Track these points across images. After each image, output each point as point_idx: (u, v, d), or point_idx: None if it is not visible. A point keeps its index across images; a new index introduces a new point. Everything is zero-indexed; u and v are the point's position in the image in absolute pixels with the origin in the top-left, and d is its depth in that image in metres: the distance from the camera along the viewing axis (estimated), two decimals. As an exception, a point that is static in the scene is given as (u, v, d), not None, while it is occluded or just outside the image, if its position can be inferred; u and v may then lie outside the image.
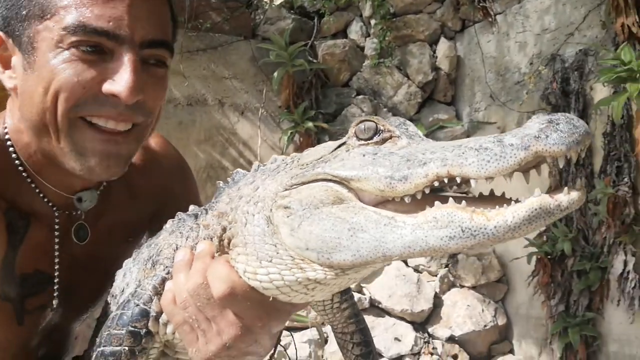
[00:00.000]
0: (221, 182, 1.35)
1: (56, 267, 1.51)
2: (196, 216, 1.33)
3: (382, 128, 1.03)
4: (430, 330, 5.59)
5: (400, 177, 0.91)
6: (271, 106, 6.23)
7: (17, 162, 1.44)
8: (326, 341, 5.23)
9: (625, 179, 4.41)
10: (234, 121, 6.10)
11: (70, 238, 1.53)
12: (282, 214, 1.04)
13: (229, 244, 1.16)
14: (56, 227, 1.51)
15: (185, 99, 5.92)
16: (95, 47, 1.27)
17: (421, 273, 5.85)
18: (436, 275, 5.82)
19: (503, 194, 0.92)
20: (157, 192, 1.80)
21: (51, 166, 1.39)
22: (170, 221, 1.39)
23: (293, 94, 6.02)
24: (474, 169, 0.83)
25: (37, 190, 1.47)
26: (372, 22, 6.25)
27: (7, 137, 1.44)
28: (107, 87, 1.28)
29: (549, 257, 4.97)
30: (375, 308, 5.58)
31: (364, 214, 0.95)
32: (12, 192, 1.44)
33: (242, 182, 1.23)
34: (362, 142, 1.03)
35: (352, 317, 1.57)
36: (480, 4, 5.85)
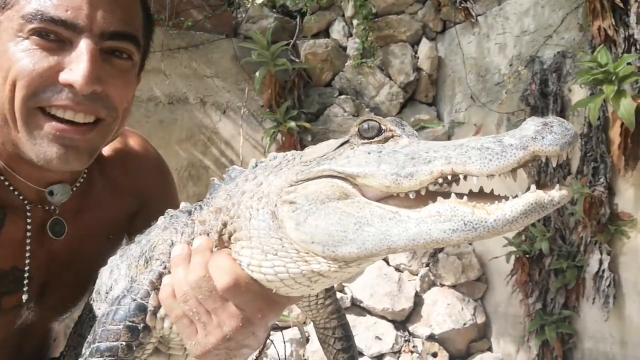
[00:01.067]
0: (215, 178, 1.36)
1: (27, 261, 1.49)
2: (190, 212, 1.33)
3: (384, 127, 1.07)
4: (410, 328, 5.63)
5: (406, 174, 0.95)
6: (253, 105, 6.22)
7: None
8: (307, 340, 5.25)
9: (601, 180, 4.49)
10: (215, 120, 6.09)
11: (46, 234, 1.52)
12: (287, 208, 1.07)
13: (229, 238, 1.19)
14: (28, 220, 1.49)
15: (167, 98, 5.90)
16: (54, 35, 1.26)
17: (402, 272, 5.89)
18: (417, 275, 5.87)
19: (492, 191, 0.97)
20: (137, 190, 1.80)
21: (20, 158, 1.37)
22: (161, 218, 1.40)
23: (275, 93, 6.02)
24: (476, 166, 0.89)
25: (7, 183, 1.45)
26: (355, 22, 6.28)
27: None
28: (63, 76, 1.27)
29: (527, 256, 5.04)
30: (357, 307, 5.61)
31: (369, 209, 1.00)
32: None
33: (241, 178, 1.25)
34: (366, 140, 1.07)
35: (334, 313, 1.61)
36: (462, 5, 5.91)
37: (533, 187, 0.89)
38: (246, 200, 1.17)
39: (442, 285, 5.87)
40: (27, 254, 1.49)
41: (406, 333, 5.59)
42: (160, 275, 1.22)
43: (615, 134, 4.24)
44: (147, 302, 1.19)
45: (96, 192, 1.66)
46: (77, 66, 1.26)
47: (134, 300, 1.19)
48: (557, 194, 0.88)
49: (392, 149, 1.03)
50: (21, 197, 1.48)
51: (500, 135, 0.92)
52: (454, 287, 5.84)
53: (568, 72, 4.90)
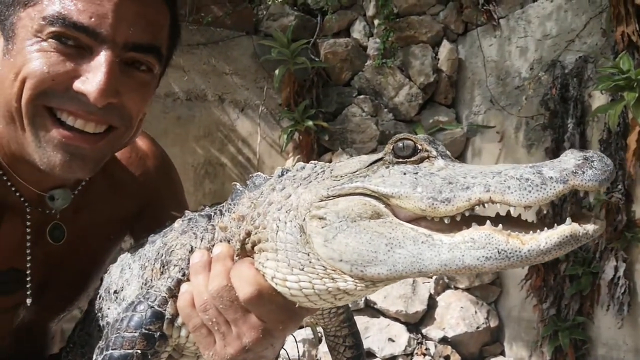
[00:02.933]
0: (238, 184, 1.33)
1: (28, 265, 1.46)
2: (209, 217, 1.31)
3: (420, 147, 1.05)
4: (423, 331, 5.63)
5: (443, 199, 0.95)
6: (271, 104, 6.22)
7: None
8: (320, 340, 5.26)
9: (619, 186, 4.44)
10: (233, 118, 6.09)
11: (44, 237, 1.48)
12: (316, 224, 1.05)
13: (253, 247, 1.17)
14: (28, 223, 1.45)
15: (185, 94, 5.89)
16: (74, 41, 1.22)
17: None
18: (431, 277, 5.85)
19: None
20: (141, 190, 1.76)
21: (23, 159, 1.32)
22: (178, 220, 1.37)
23: (294, 92, 6.01)
24: (516, 197, 0.89)
25: (9, 184, 1.41)
26: (376, 22, 6.26)
27: None
28: (78, 85, 1.22)
29: (543, 261, 5.00)
30: (370, 308, 5.62)
31: (402, 230, 0.99)
32: None
33: (266, 186, 1.22)
34: (400, 159, 1.05)
35: (346, 322, 1.60)
36: (484, 8, 5.87)
37: (568, 219, 0.89)
38: (273, 212, 1.14)
39: (456, 289, 5.85)
40: (28, 257, 1.46)
41: (419, 335, 5.59)
42: (179, 282, 1.20)
43: (632, 140, 4.20)
44: (165, 310, 1.17)
45: (98, 192, 1.62)
46: (93, 77, 1.21)
47: (151, 307, 1.16)
48: (591, 227, 0.89)
49: (429, 171, 1.02)
50: (22, 199, 1.45)
51: (539, 165, 0.92)
52: (467, 290, 5.82)
53: (589, 78, 4.85)
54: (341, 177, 1.09)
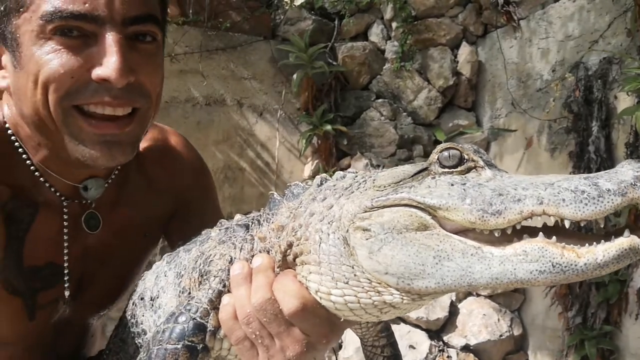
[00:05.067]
0: (275, 193, 1.32)
1: (65, 257, 1.49)
2: (247, 227, 1.30)
3: (466, 157, 1.03)
4: (445, 338, 5.54)
5: (494, 211, 0.92)
6: (290, 108, 6.21)
7: (20, 150, 1.41)
8: (340, 347, 5.22)
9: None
10: (252, 122, 6.10)
11: (81, 228, 1.51)
12: (360, 235, 1.04)
13: (294, 259, 1.15)
14: (65, 216, 1.48)
15: (204, 99, 5.92)
16: (77, 30, 1.23)
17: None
18: (480, 292, 5.78)
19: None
20: (176, 190, 1.78)
21: (55, 156, 1.37)
22: (215, 229, 1.37)
23: (312, 96, 6.00)
24: (571, 210, 0.86)
25: (42, 179, 1.45)
26: (394, 25, 6.20)
27: (6, 126, 1.41)
28: (97, 72, 1.24)
29: (568, 268, 4.90)
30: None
31: (450, 243, 0.96)
32: (16, 181, 1.42)
33: (306, 196, 1.21)
34: (447, 169, 1.03)
35: (383, 331, 1.57)
36: (504, 9, 5.79)
37: (627, 232, 0.86)
38: (315, 223, 1.13)
39: (478, 295, 5.75)
40: (66, 250, 1.49)
41: (440, 343, 5.50)
42: (220, 294, 1.19)
43: (662, 143, 4.09)
44: (207, 322, 1.17)
45: (133, 188, 1.65)
46: (108, 60, 1.23)
47: (193, 319, 1.16)
48: None
49: (477, 182, 0.99)
50: (57, 194, 1.47)
51: (594, 176, 0.89)
52: (490, 297, 5.72)
53: (614, 79, 4.73)
54: (385, 187, 1.07)
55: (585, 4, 5.02)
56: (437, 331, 5.56)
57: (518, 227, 0.92)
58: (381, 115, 6.13)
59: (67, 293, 1.51)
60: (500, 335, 5.49)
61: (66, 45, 1.23)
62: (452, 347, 5.48)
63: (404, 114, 6.21)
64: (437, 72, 6.20)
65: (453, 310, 5.63)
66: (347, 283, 1.06)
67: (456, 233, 0.98)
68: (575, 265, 0.85)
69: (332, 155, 5.94)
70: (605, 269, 0.85)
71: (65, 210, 1.49)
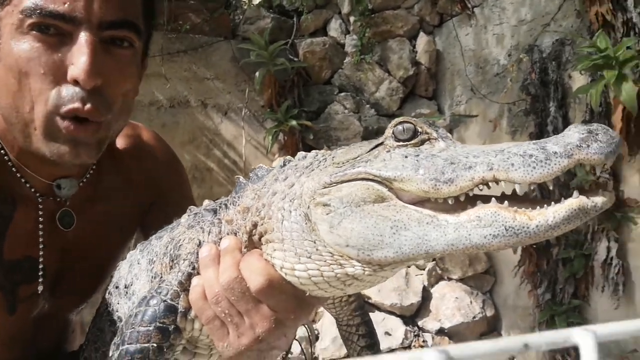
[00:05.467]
0: (241, 177, 1.35)
1: (41, 252, 1.51)
2: (215, 211, 1.32)
3: (420, 129, 1.05)
4: (420, 323, 5.61)
5: (446, 179, 0.94)
6: (254, 106, 6.22)
7: None
8: (317, 338, 5.24)
9: (606, 166, 4.45)
10: (217, 122, 6.10)
11: (56, 224, 1.54)
12: (321, 211, 1.06)
13: (260, 239, 1.18)
14: (40, 212, 1.51)
15: (168, 101, 5.91)
16: (54, 28, 1.27)
17: (409, 267, 5.87)
18: (424, 269, 5.85)
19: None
20: (150, 183, 1.81)
21: (31, 152, 1.39)
22: (185, 215, 1.39)
23: (275, 93, 6.01)
24: (520, 174, 0.88)
25: (18, 175, 1.47)
26: (351, 19, 6.27)
27: None
28: (69, 73, 1.28)
29: (534, 246, 5.01)
30: (365, 303, 5.56)
31: (406, 213, 0.98)
32: None
33: (269, 177, 1.24)
34: (401, 143, 1.05)
35: (357, 310, 1.61)
36: (458, -2, 5.90)
37: (576, 192, 0.88)
38: (277, 202, 1.15)
39: (450, 279, 5.85)
40: (41, 245, 1.51)
41: (415, 328, 5.57)
42: (189, 276, 1.21)
43: (617, 119, 4.20)
44: (178, 304, 1.19)
45: (108, 184, 1.68)
46: (78, 60, 1.27)
47: (164, 301, 1.18)
48: (600, 199, 0.88)
49: (430, 153, 1.01)
50: (33, 190, 1.50)
51: (542, 141, 0.91)
52: (461, 280, 5.81)
53: (567, 60, 4.87)
54: (343, 163, 1.09)
55: (536, -12, 5.16)
56: (411, 317, 5.62)
57: (471, 194, 0.94)
58: (345, 108, 6.19)
59: (40, 288, 1.52)
60: (474, 317, 5.59)
61: (43, 41, 1.27)
62: (427, 331, 5.55)
63: (367, 106, 6.29)
64: (397, 63, 6.28)
65: (426, 295, 5.71)
66: (309, 257, 1.09)
67: (413, 204, 1.00)
68: (528, 228, 0.88)
69: (299, 150, 5.86)
70: (556, 230, 0.87)
71: (40, 206, 1.52)
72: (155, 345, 1.15)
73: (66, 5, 1.26)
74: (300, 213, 1.10)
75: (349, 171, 1.05)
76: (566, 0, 4.83)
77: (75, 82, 1.28)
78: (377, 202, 1.01)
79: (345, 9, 6.31)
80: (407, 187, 0.99)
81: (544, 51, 5.04)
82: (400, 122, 1.06)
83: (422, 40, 6.34)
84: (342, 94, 6.27)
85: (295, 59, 6.20)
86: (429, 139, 1.05)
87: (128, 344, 1.15)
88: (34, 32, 1.26)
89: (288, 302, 1.14)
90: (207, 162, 5.99)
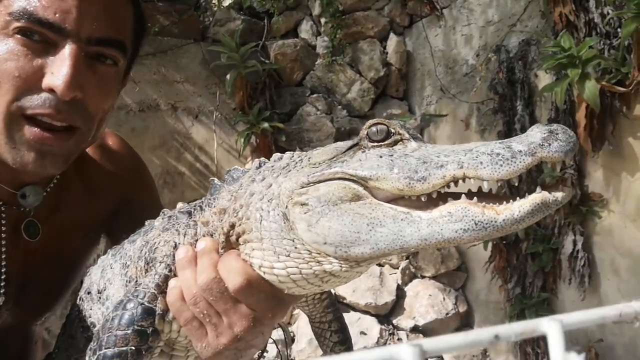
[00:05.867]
0: (215, 179, 1.36)
1: (3, 263, 1.48)
2: (189, 213, 1.32)
3: (393, 131, 1.10)
4: (394, 321, 5.66)
5: (419, 178, 0.99)
6: (225, 109, 6.20)
7: None
8: (293, 340, 5.25)
9: (571, 162, 4.57)
10: (188, 125, 6.05)
11: (21, 235, 1.51)
12: (299, 210, 1.09)
13: (237, 239, 1.19)
14: (3, 222, 1.48)
15: (137, 105, 5.84)
16: (39, 36, 1.25)
17: (383, 266, 5.92)
18: (398, 268, 5.91)
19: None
20: (116, 189, 1.79)
21: None
22: (159, 219, 1.40)
23: (247, 95, 5.99)
24: (488, 171, 0.93)
25: None
26: (322, 20, 6.30)
27: None
28: (46, 81, 1.26)
29: (504, 242, 5.11)
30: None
31: (382, 210, 1.03)
32: None
33: (245, 179, 1.25)
34: (375, 143, 1.09)
35: (329, 307, 1.64)
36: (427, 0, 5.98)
37: (539, 188, 0.94)
38: (255, 202, 1.17)
39: (423, 277, 5.91)
40: (3, 256, 1.48)
41: (390, 326, 5.62)
42: (166, 278, 1.22)
43: (581, 116, 4.31)
44: (155, 306, 1.19)
45: (72, 191, 1.65)
46: (59, 71, 1.25)
47: (141, 304, 1.18)
48: (560, 194, 0.94)
49: (403, 153, 1.06)
50: None
51: (507, 141, 0.97)
52: (434, 278, 5.89)
53: (533, 59, 4.98)
54: (319, 164, 1.13)
55: (502, -10, 5.26)
56: (386, 315, 5.67)
57: (442, 191, 0.99)
58: (317, 109, 6.21)
59: (1, 300, 1.49)
60: (447, 314, 5.67)
61: (26, 46, 1.24)
62: (402, 329, 5.60)
63: (339, 107, 6.32)
64: (368, 64, 6.33)
65: (400, 294, 5.76)
66: (288, 256, 1.11)
67: (387, 202, 1.04)
68: (495, 222, 0.93)
69: (272, 153, 5.79)
70: (522, 223, 0.93)
71: (3, 215, 1.48)
72: (133, 348, 1.14)
73: (57, 15, 1.24)
74: (279, 212, 1.13)
75: (326, 171, 1.09)
76: (531, 2, 4.94)
77: (51, 91, 1.26)
78: (354, 200, 1.05)
79: (316, 10, 6.34)
80: (382, 186, 1.03)
81: (510, 51, 5.14)
82: (374, 124, 1.10)
83: (392, 41, 6.40)
84: (314, 95, 6.30)
85: (267, 61, 6.20)
86: (401, 140, 1.10)
87: (106, 348, 1.14)
88: (19, 35, 1.24)
89: (266, 300, 1.16)
90: (179, 167, 5.94)
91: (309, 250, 1.09)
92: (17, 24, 1.23)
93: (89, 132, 1.40)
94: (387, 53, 6.43)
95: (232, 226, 1.20)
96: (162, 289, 1.21)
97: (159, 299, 1.20)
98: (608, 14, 4.27)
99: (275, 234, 1.12)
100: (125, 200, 1.81)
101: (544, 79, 4.83)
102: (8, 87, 1.24)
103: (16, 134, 1.28)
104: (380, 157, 1.06)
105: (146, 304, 1.18)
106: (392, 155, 1.06)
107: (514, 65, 5.09)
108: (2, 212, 1.48)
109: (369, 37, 6.39)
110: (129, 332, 1.15)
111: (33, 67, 1.25)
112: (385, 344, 5.45)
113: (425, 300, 5.67)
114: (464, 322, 5.89)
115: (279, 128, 5.98)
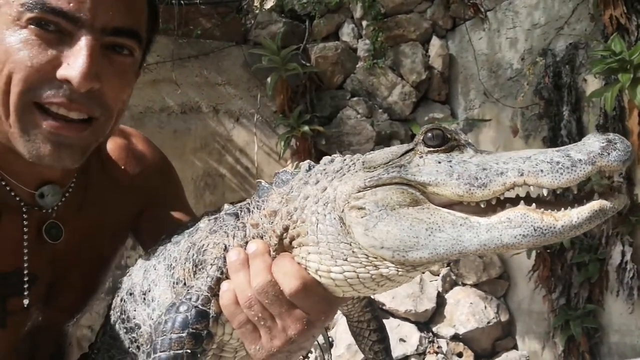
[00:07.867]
0: (263, 181, 1.36)
1: (26, 264, 1.45)
2: (236, 215, 1.32)
3: (449, 136, 1.10)
4: (434, 329, 5.59)
5: (480, 184, 1.00)
6: (266, 111, 6.23)
7: None
8: (332, 345, 5.23)
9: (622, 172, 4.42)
10: (229, 128, 6.11)
11: (43, 236, 1.48)
12: (355, 214, 1.10)
13: (291, 242, 1.19)
14: (25, 222, 1.45)
15: (179, 107, 5.92)
16: (54, 26, 1.21)
17: (423, 273, 5.85)
18: (438, 275, 5.83)
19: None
20: (141, 188, 1.76)
21: (11, 154, 1.33)
22: (205, 220, 1.39)
23: (287, 98, 6.02)
24: (548, 179, 0.95)
25: (3, 183, 1.42)
26: (364, 23, 6.27)
27: None
28: (61, 71, 1.22)
29: (549, 251, 4.99)
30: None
31: (440, 215, 1.04)
32: None
33: (296, 181, 1.25)
34: (432, 149, 1.10)
35: (367, 306, 1.62)
36: (470, 2, 5.88)
37: (596, 195, 0.95)
38: (310, 205, 1.18)
39: (464, 285, 5.82)
40: (25, 257, 1.45)
41: (430, 334, 5.55)
42: (218, 281, 1.22)
43: (633, 123, 4.18)
44: (209, 309, 1.19)
45: (97, 190, 1.63)
46: (75, 61, 1.21)
47: (195, 307, 1.18)
48: (617, 201, 0.95)
49: (462, 159, 1.07)
50: (17, 199, 1.44)
51: (565, 149, 0.98)
52: (475, 285, 5.79)
53: (581, 63, 4.85)
54: (375, 168, 1.14)
55: (549, -8, 5.13)
56: (425, 323, 5.60)
57: (502, 197, 1.00)
58: (357, 113, 6.18)
59: (26, 302, 1.47)
60: (488, 323, 5.56)
61: (40, 36, 1.21)
62: (442, 337, 5.53)
63: (380, 110, 6.28)
64: (410, 68, 6.27)
65: (440, 301, 5.69)
66: (345, 260, 1.12)
67: (443, 207, 1.05)
68: (554, 228, 0.94)
69: (311, 156, 5.94)
70: (579, 229, 0.94)
71: (25, 216, 1.46)
72: (189, 351, 1.15)
73: (71, 4, 1.20)
74: (335, 216, 1.13)
75: (383, 176, 1.10)
76: (580, 4, 4.80)
77: (66, 82, 1.22)
78: (412, 205, 1.06)
79: (358, 13, 6.31)
80: (441, 192, 1.04)
81: (557, 55, 5.01)
82: (430, 129, 1.11)
83: (434, 44, 6.33)
84: (355, 98, 6.27)
85: (308, 64, 6.21)
86: (457, 146, 1.10)
87: (161, 351, 1.15)
88: (32, 26, 1.20)
89: (320, 303, 1.16)
90: (219, 169, 6.00)
91: (366, 255, 1.10)
92: (30, 15, 1.20)
93: (107, 124, 1.37)
94: (429, 56, 6.36)
95: (286, 229, 1.20)
96: (214, 291, 1.21)
97: (212, 301, 1.20)
98: (662, 16, 4.12)
99: (332, 237, 1.13)
100: (151, 199, 1.79)
101: (592, 84, 4.69)
102: (21, 76, 1.21)
103: (30, 125, 1.25)
104: (439, 162, 1.07)
105: (200, 306, 1.19)
106: (450, 161, 1.07)
107: (561, 69, 4.96)
108: (24, 212, 1.46)
109: (411, 40, 6.33)
110: (183, 335, 1.15)
111: (47, 57, 1.21)
112: (424, 351, 5.39)
113: (466, 308, 5.58)
114: (506, 331, 5.77)
115: (319, 131, 5.98)
